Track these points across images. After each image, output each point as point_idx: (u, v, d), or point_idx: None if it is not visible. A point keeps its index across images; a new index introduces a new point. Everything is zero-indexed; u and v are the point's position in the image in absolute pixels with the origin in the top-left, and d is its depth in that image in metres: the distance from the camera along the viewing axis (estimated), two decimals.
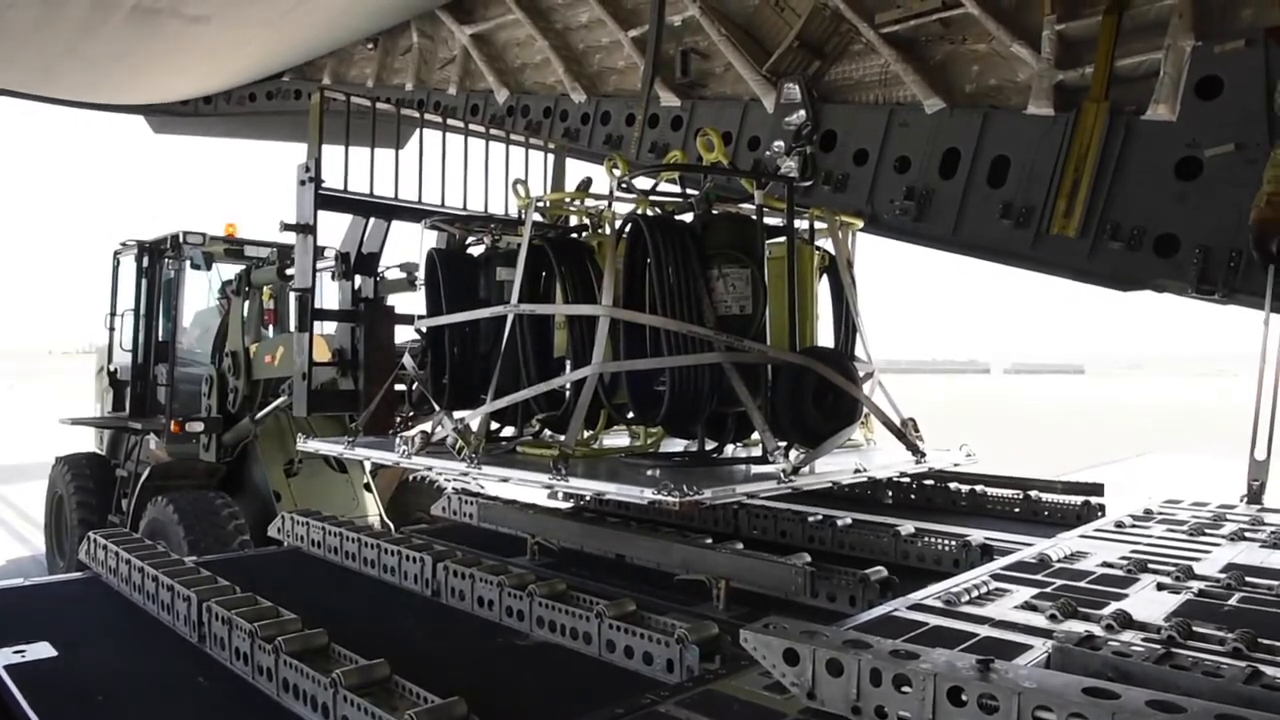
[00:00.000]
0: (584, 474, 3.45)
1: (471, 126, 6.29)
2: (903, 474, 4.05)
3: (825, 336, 4.42)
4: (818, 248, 4.44)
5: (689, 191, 4.12)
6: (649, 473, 3.65)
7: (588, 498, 4.83)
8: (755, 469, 3.65)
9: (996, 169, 5.91)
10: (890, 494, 5.21)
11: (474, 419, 4.15)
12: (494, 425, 4.43)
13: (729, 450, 4.27)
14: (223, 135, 14.06)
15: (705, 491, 2.96)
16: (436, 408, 4.52)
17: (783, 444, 3.58)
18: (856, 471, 3.66)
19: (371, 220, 5.84)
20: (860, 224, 4.63)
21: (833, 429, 3.72)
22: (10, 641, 2.90)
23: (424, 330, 4.79)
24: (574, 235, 4.52)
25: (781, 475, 3.31)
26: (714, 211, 3.95)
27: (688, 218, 4.10)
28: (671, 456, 4.15)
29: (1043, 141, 5.66)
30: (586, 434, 4.15)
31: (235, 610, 2.74)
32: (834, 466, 3.67)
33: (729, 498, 3.12)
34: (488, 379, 4.37)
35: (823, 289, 4.42)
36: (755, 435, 3.68)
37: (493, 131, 6.40)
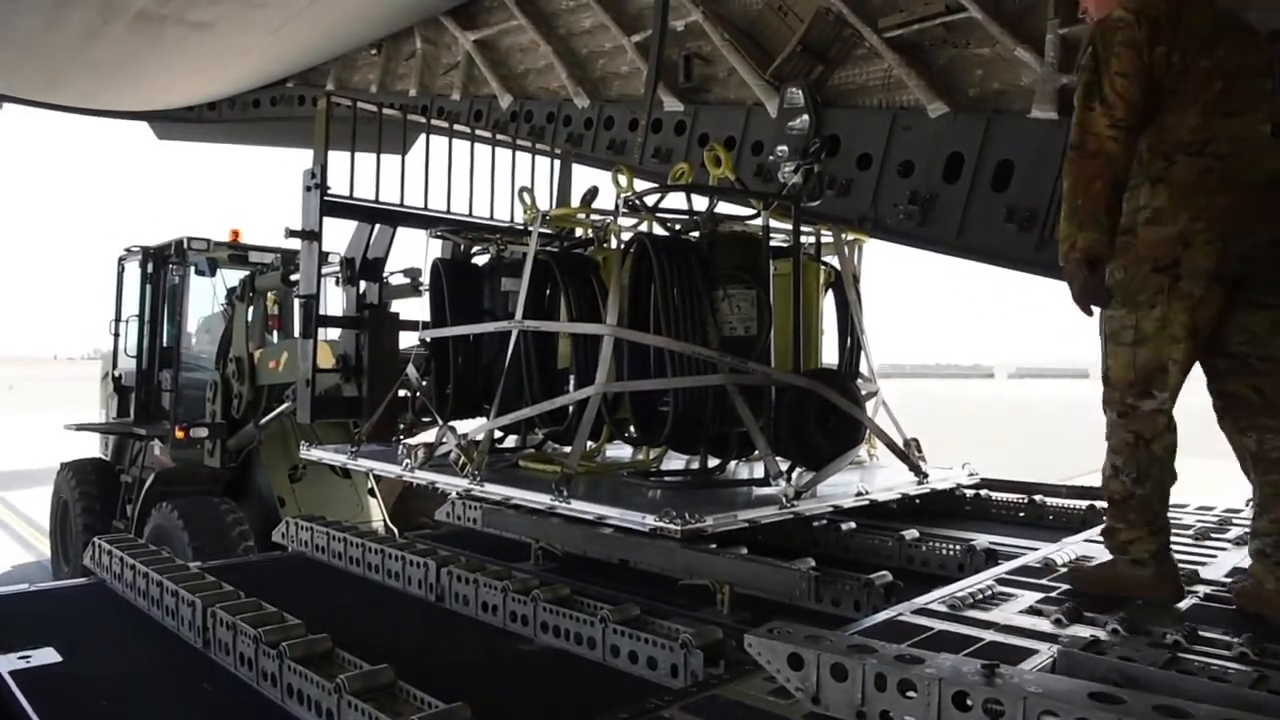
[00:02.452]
0: (586, 494, 3.48)
1: (477, 132, 6.30)
2: (904, 495, 4.08)
3: (829, 351, 4.44)
4: (824, 263, 4.45)
5: (695, 209, 4.12)
6: (650, 494, 3.66)
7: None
8: (757, 491, 3.68)
9: (1000, 173, 5.90)
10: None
11: (478, 434, 4.16)
12: (497, 433, 4.44)
13: (731, 466, 4.28)
14: (226, 141, 14.09)
15: (707, 519, 3.01)
16: (439, 421, 4.53)
17: (785, 467, 3.60)
18: (858, 495, 3.72)
19: (377, 226, 5.84)
20: (866, 239, 4.64)
21: (836, 451, 3.75)
22: (15, 647, 2.90)
23: (428, 338, 4.81)
24: (579, 250, 4.53)
25: (784, 499, 3.36)
26: (719, 230, 3.96)
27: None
28: (674, 475, 4.16)
29: (1047, 145, 5.65)
30: (590, 445, 4.17)
31: (239, 615, 2.74)
32: (836, 488, 3.71)
33: (731, 525, 3.16)
34: (491, 388, 4.39)
35: (827, 303, 4.44)
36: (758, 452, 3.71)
37: (499, 137, 6.41)
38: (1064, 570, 3.07)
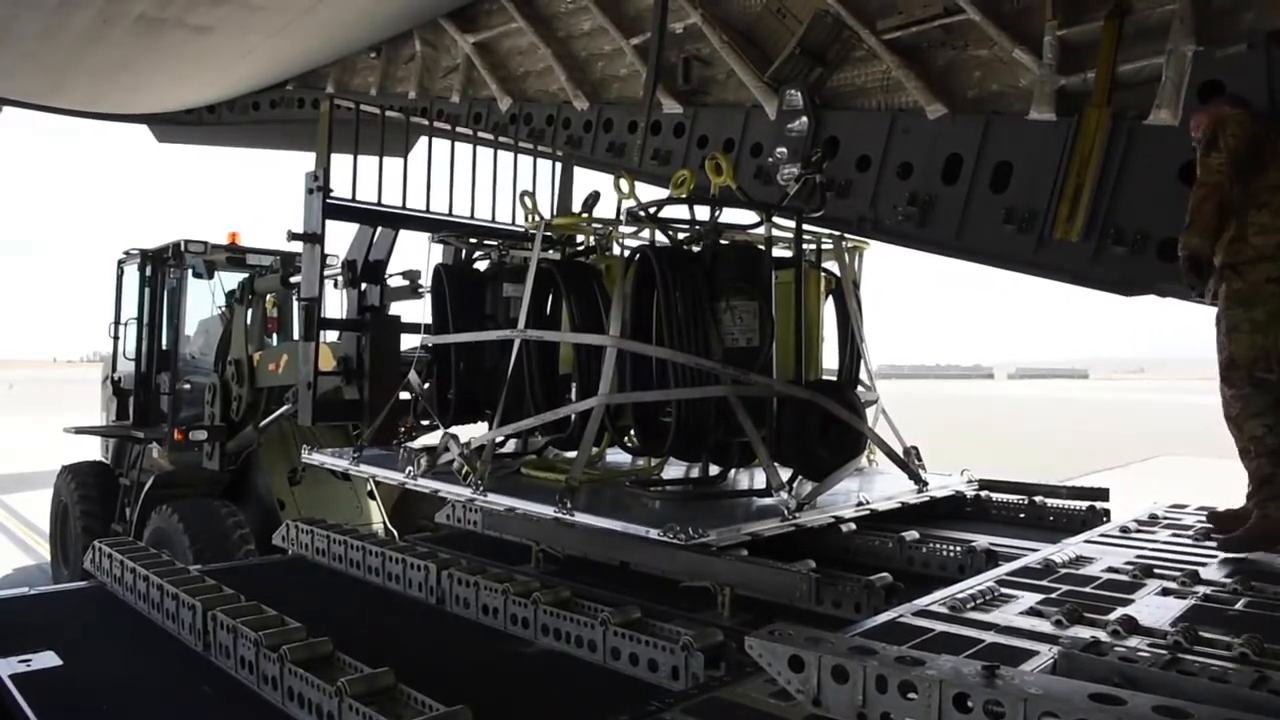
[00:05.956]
0: (589, 505, 3.49)
1: (478, 135, 6.30)
2: (904, 504, 4.08)
3: (829, 359, 4.45)
4: (824, 269, 4.45)
5: (698, 219, 4.12)
6: (653, 505, 3.66)
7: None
8: (759, 502, 3.68)
9: (999, 174, 5.90)
10: None
11: (480, 442, 4.16)
12: (498, 438, 4.45)
13: (731, 474, 4.28)
14: (226, 144, 14.10)
15: (710, 533, 3.02)
16: (441, 427, 4.53)
17: (786, 477, 3.60)
18: (859, 505, 3.74)
19: (378, 229, 5.84)
20: (868, 245, 4.65)
21: (837, 461, 3.76)
22: (15, 650, 2.90)
23: (430, 343, 4.81)
24: (581, 257, 4.53)
25: (786, 512, 3.37)
26: (722, 240, 3.96)
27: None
28: (676, 484, 4.17)
29: (1045, 147, 5.66)
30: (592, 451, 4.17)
31: (240, 619, 2.75)
32: (836, 496, 3.73)
33: (734, 539, 3.16)
34: (492, 393, 4.39)
35: (827, 310, 4.44)
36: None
37: (501, 140, 6.41)
38: (1214, 541, 3.61)
